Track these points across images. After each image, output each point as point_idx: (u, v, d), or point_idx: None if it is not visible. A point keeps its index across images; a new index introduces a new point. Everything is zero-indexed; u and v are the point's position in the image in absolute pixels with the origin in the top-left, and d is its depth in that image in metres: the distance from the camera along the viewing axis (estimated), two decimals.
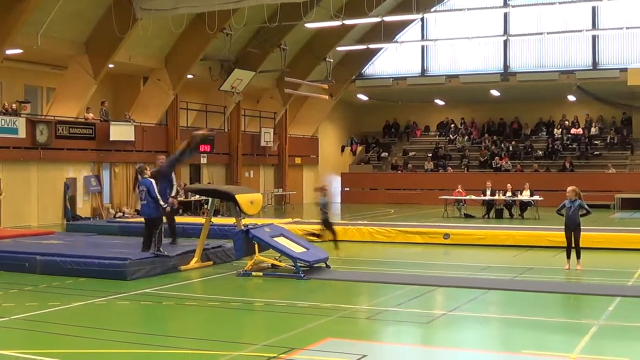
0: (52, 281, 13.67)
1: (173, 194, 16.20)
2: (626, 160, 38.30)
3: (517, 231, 20.41)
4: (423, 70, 40.31)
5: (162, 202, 14.75)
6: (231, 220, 18.42)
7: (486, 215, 29.26)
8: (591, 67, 36.94)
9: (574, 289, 13.32)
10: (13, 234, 19.70)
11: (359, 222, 23.80)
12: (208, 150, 33.50)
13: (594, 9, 35.79)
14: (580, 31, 34.52)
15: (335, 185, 43.25)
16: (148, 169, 15.51)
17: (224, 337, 9.59)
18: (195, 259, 15.38)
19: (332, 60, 36.34)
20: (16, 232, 20.50)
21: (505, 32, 37.54)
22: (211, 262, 15.81)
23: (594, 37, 36.73)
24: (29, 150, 25.96)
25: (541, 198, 28.37)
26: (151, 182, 14.89)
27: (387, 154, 43.83)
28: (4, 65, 26.08)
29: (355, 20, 30.49)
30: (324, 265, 15.04)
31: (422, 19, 37.72)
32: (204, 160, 33.21)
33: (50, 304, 11.50)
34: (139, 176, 15.35)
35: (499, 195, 29.33)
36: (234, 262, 15.89)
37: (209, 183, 32.37)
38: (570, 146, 39.84)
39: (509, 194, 29.32)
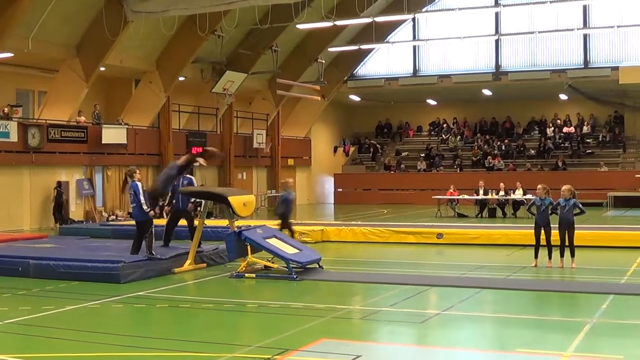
0: (46, 285, 13.62)
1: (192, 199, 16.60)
2: (618, 158, 38.42)
3: (510, 230, 20.45)
4: (415, 70, 40.35)
5: (145, 207, 14.76)
6: (224, 222, 18.40)
7: (479, 215, 29.33)
8: (583, 66, 37.03)
9: (567, 287, 13.34)
10: (6, 238, 19.63)
11: (352, 222, 23.80)
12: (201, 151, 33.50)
13: (585, 7, 35.86)
14: (571, 30, 34.62)
15: (328, 186, 43.33)
16: (138, 172, 15.52)
17: (218, 339, 9.56)
18: (188, 261, 15.36)
19: (323, 61, 36.33)
20: (9, 236, 20.43)
21: (497, 31, 37.62)
22: (205, 264, 15.80)
23: (585, 36, 36.82)
24: (21, 154, 25.90)
25: (534, 197, 28.35)
26: (138, 185, 14.92)
27: (379, 153, 43.86)
28: None
29: (346, 21, 30.48)
30: (317, 266, 15.04)
31: (413, 19, 37.74)
32: (196, 163, 33.10)
33: (44, 308, 11.46)
34: (128, 179, 15.37)
35: (491, 194, 29.40)
36: (228, 264, 15.88)
37: (201, 185, 32.31)
38: (562, 145, 39.95)
39: (501, 193, 29.39)
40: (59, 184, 26.55)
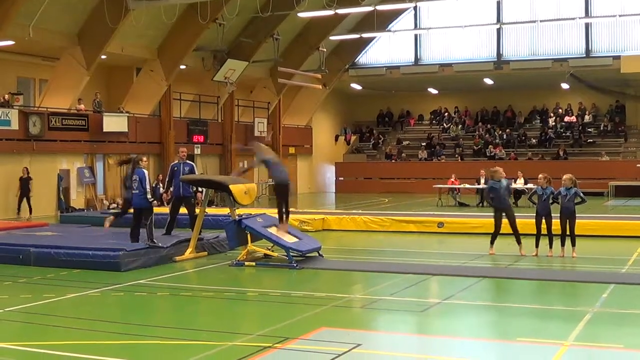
0: (47, 273, 13.64)
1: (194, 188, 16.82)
2: (619, 148, 38.39)
3: None
4: (416, 59, 40.28)
5: (149, 196, 14.71)
6: (225, 211, 18.40)
7: (480, 204, 29.29)
8: (584, 55, 36.96)
9: (568, 277, 13.33)
10: (6, 226, 19.64)
11: (354, 211, 23.81)
12: (202, 141, 33.50)
13: None
14: (573, 19, 34.49)
15: (329, 175, 43.33)
16: (144, 159, 15.46)
17: (218, 327, 9.58)
18: (189, 250, 15.37)
19: (325, 50, 36.26)
20: (10, 224, 20.44)
21: (498, 20, 37.46)
22: (205, 253, 15.81)
23: (587, 25, 36.72)
24: (22, 142, 25.89)
25: (535, 186, 28.34)
26: (144, 173, 14.86)
27: (380, 144, 43.82)
28: None
29: (348, 9, 30.42)
30: (317, 255, 15.05)
31: (415, 8, 37.63)
32: (197, 151, 33.17)
33: (45, 296, 11.47)
34: (135, 165, 15.30)
35: None
36: (228, 252, 15.89)
37: (202, 173, 32.31)
38: (563, 134, 39.90)
39: None
40: (26, 170, 25.79)
